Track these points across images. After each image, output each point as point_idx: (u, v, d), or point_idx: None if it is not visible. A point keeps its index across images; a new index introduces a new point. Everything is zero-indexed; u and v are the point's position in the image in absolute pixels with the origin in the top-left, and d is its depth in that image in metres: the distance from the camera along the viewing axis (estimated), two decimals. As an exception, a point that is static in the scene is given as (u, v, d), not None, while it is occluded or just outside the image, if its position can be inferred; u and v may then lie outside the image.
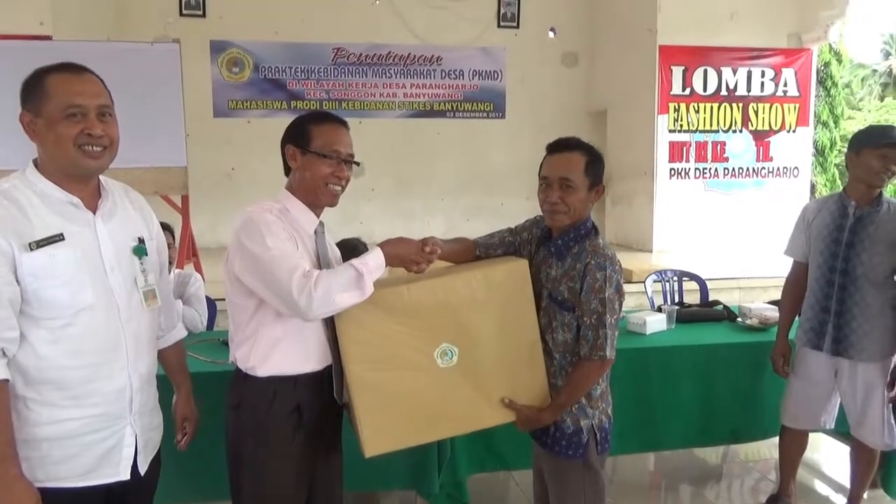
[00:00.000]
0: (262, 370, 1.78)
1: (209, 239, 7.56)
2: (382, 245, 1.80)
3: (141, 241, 1.67)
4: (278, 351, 1.78)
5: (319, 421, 1.86)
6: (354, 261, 1.72)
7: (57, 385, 1.50)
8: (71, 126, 1.50)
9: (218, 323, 3.60)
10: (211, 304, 3.41)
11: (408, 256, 1.82)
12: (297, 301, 1.62)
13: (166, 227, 3.24)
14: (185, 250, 5.70)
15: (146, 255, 1.67)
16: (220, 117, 8.34)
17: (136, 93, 5.31)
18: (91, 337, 1.53)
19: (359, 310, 1.76)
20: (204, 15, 8.31)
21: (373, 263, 1.73)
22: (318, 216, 1.89)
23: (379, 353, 1.82)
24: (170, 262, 3.23)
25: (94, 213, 1.57)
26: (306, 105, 8.43)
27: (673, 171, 7.53)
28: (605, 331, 1.88)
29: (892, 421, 2.68)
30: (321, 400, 1.85)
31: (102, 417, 1.56)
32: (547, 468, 2.07)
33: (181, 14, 8.23)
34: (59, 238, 1.48)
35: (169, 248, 3.23)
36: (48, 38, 5.84)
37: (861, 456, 2.80)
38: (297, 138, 1.83)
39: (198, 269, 5.54)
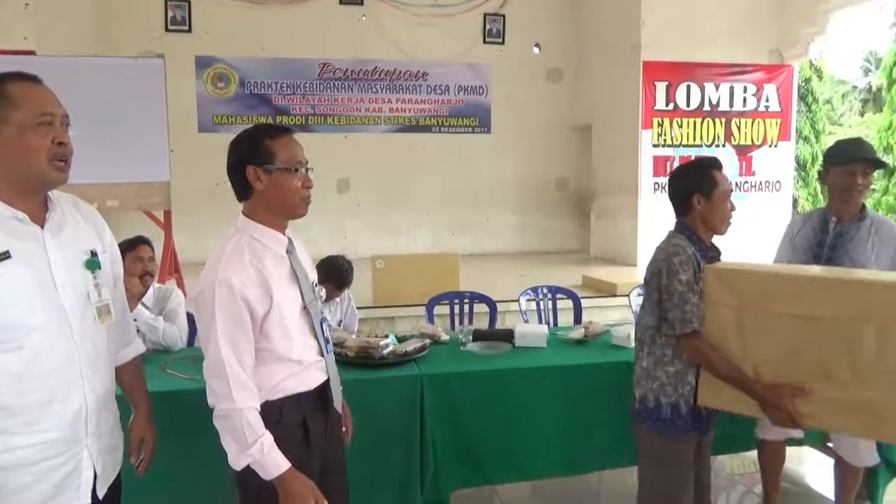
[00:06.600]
0: (265, 396, 1.73)
1: (192, 255, 7.49)
2: (293, 471, 1.68)
3: (93, 253, 1.58)
4: (279, 386, 1.76)
5: (323, 435, 1.85)
6: (266, 437, 1.65)
7: (9, 411, 1.41)
8: (43, 135, 1.45)
9: (198, 339, 3.55)
10: (191, 320, 3.36)
11: (297, 498, 1.68)
12: (215, 403, 1.66)
13: (145, 241, 3.21)
14: (167, 266, 5.66)
15: (99, 268, 1.58)
16: (204, 132, 8.30)
17: (120, 108, 5.31)
18: (44, 358, 1.45)
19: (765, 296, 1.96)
20: (189, 30, 8.30)
21: (268, 460, 1.65)
22: (283, 233, 1.82)
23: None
24: (151, 276, 3.21)
25: (42, 226, 1.50)
26: (292, 120, 8.42)
27: (657, 186, 7.57)
28: None
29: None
30: (324, 415, 1.85)
31: (58, 442, 1.48)
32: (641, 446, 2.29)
33: (167, 29, 8.23)
34: (5, 256, 1.40)
35: (149, 261, 3.21)
36: (32, 53, 5.81)
37: (845, 469, 2.80)
38: (257, 158, 1.74)
39: (180, 284, 5.49)
